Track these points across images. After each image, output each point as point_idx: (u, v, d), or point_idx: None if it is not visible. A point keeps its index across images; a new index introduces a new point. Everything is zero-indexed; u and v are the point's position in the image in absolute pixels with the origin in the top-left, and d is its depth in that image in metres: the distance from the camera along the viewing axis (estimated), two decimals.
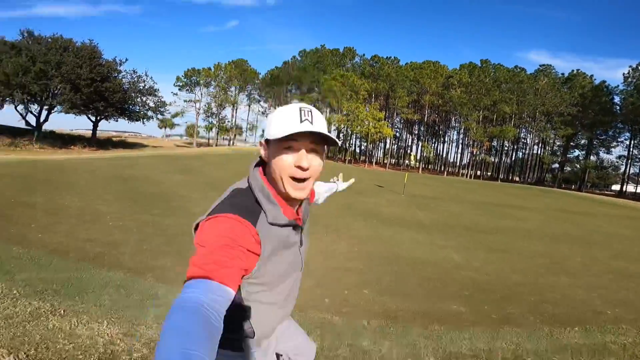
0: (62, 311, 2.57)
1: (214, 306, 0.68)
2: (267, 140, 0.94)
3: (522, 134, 59.84)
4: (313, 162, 0.91)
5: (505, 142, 58.19)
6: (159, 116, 43.34)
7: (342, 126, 50.53)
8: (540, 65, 56.02)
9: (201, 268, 0.75)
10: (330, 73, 48.53)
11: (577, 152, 57.16)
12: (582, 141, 55.48)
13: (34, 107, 32.12)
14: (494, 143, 59.08)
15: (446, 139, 65.52)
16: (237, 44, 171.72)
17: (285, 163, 0.89)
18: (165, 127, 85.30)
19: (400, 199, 13.35)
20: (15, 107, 30.65)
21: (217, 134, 61.28)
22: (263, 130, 1.16)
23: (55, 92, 30.15)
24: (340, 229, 7.17)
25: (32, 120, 33.76)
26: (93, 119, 38.43)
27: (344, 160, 55.37)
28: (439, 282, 4.45)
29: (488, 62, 55.45)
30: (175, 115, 56.18)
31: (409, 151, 64.16)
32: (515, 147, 61.74)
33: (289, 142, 0.88)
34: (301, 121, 0.87)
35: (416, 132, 64.30)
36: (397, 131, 66.02)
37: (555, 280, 5.01)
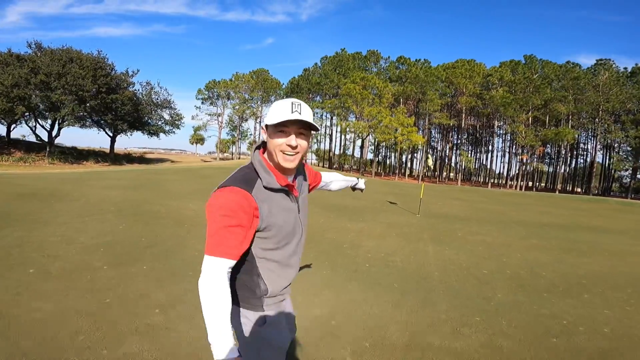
0: None
1: (224, 276, 1.08)
2: (266, 125, 1.21)
3: (581, 139, 51.62)
4: (300, 142, 1.19)
5: (562, 148, 50.38)
6: (176, 130, 42.02)
7: (365, 134, 45.70)
8: (597, 60, 48.25)
9: (213, 250, 1.08)
10: (351, 77, 44.30)
11: None
12: None
13: (47, 122, 31.61)
14: (548, 149, 51.35)
15: (490, 148, 58.60)
16: (274, 60, 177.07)
17: (279, 142, 1.18)
18: (195, 143, 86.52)
19: (411, 222, 9.14)
20: (26, 121, 30.21)
21: (238, 146, 59.62)
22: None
23: (59, 104, 29.28)
24: None
25: (46, 135, 33.37)
26: (110, 134, 37.83)
27: (370, 173, 50.81)
28: None
29: (533, 57, 48.60)
30: (198, 128, 55.34)
31: (435, 160, 57.87)
32: (576, 153, 53.33)
33: (282, 127, 1.17)
34: (292, 112, 1.15)
35: (454, 140, 58.12)
36: (433, 139, 60.32)
37: None
